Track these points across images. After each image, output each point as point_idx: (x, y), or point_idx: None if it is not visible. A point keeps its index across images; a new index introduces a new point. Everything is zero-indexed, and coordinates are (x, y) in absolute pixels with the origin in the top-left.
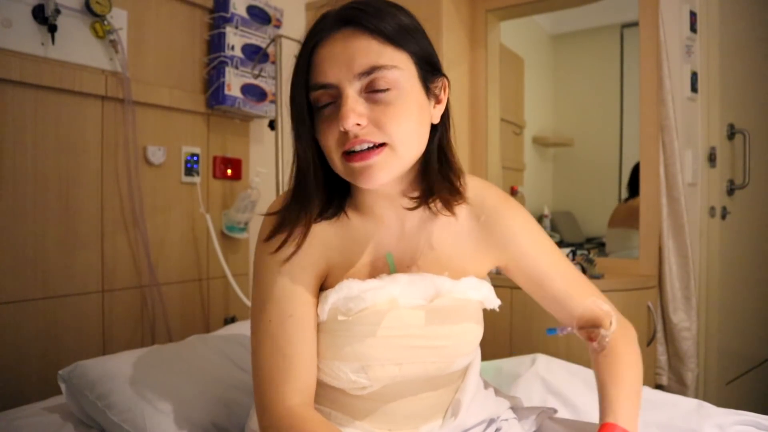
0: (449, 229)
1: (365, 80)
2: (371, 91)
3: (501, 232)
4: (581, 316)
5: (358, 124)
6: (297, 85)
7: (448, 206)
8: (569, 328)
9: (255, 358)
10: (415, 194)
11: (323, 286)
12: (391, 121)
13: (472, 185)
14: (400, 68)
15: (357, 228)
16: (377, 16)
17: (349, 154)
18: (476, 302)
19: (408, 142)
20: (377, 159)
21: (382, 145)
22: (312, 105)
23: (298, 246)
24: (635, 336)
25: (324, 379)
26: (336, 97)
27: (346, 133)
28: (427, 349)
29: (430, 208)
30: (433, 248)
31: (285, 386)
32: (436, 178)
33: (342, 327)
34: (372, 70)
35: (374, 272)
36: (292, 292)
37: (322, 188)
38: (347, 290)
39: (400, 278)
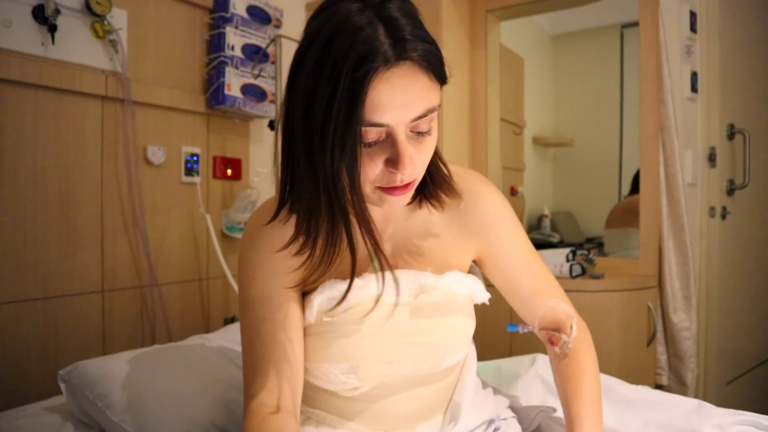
0: (432, 222)
1: (416, 122)
2: (416, 133)
3: (479, 217)
4: (543, 316)
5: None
6: (348, 120)
7: (439, 199)
8: (530, 327)
9: (242, 363)
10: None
11: (308, 289)
12: (425, 157)
13: (452, 172)
14: (439, 102)
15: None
16: (428, 47)
17: (386, 188)
18: (464, 296)
19: (423, 173)
20: (406, 195)
21: (414, 180)
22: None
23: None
24: (590, 337)
25: (315, 382)
26: (382, 134)
27: (392, 175)
28: (416, 345)
29: (423, 200)
30: (416, 243)
31: (255, 389)
32: (431, 175)
33: (328, 328)
34: (427, 113)
35: (357, 270)
36: (267, 296)
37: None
38: (330, 291)
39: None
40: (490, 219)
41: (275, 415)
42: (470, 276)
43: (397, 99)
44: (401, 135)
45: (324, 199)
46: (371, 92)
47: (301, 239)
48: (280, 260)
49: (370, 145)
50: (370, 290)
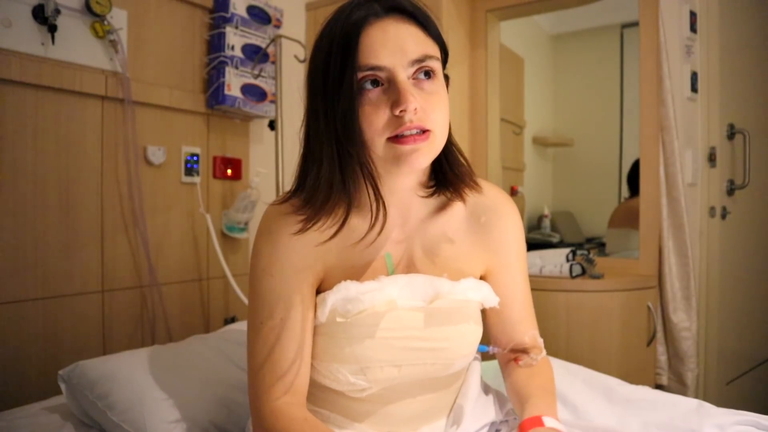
0: (449, 229)
1: (415, 67)
2: (419, 79)
3: (498, 236)
4: (520, 343)
5: (415, 109)
6: (344, 66)
7: (461, 193)
8: (498, 349)
9: (248, 359)
10: (431, 183)
11: (321, 288)
12: (435, 110)
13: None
14: (439, 60)
15: (356, 228)
16: (419, 7)
17: (397, 138)
18: (475, 303)
19: (444, 130)
20: (423, 144)
21: (427, 131)
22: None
23: (341, 227)
24: (551, 366)
25: (323, 381)
26: (384, 81)
27: (398, 117)
28: (426, 350)
29: (446, 195)
30: (433, 248)
31: (275, 387)
32: (452, 166)
33: (340, 329)
34: (424, 58)
35: (372, 273)
36: (284, 294)
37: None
38: (345, 292)
39: (399, 279)
40: (508, 241)
41: (298, 411)
42: (483, 282)
43: (390, 42)
44: (401, 75)
45: (327, 149)
46: (364, 39)
47: (314, 205)
48: (297, 253)
49: (372, 89)
50: (385, 293)
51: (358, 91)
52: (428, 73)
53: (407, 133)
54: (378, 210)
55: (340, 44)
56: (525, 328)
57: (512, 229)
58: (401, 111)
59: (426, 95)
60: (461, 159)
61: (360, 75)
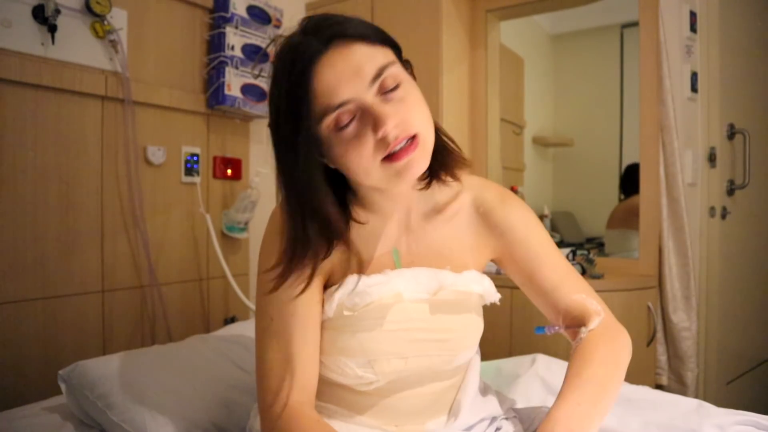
0: (451, 223)
1: (377, 84)
2: (385, 92)
3: (499, 221)
4: (566, 310)
5: (395, 124)
6: (302, 117)
7: (454, 174)
8: (557, 327)
9: (258, 357)
10: (425, 174)
11: (328, 284)
12: (413, 114)
13: (473, 183)
14: (395, 62)
15: (362, 225)
16: (348, 22)
17: (389, 157)
18: (477, 295)
19: (429, 128)
20: (416, 152)
21: (414, 137)
22: (323, 132)
23: (308, 284)
24: (625, 341)
25: (330, 376)
26: (355, 113)
27: (383, 139)
28: (432, 342)
29: (440, 179)
30: (435, 243)
31: (285, 384)
32: (441, 154)
33: (347, 322)
34: (381, 71)
35: (379, 267)
36: (292, 292)
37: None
38: (352, 286)
39: (404, 273)
40: (510, 222)
41: (308, 410)
42: (485, 276)
43: (344, 73)
44: (369, 99)
45: (292, 203)
46: (318, 82)
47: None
48: None
49: (347, 126)
50: (391, 286)
51: (334, 134)
52: (391, 83)
53: (397, 148)
54: (337, 239)
55: (295, 95)
56: (565, 292)
57: (513, 208)
58: (383, 135)
59: (397, 104)
60: (449, 144)
61: (331, 117)
